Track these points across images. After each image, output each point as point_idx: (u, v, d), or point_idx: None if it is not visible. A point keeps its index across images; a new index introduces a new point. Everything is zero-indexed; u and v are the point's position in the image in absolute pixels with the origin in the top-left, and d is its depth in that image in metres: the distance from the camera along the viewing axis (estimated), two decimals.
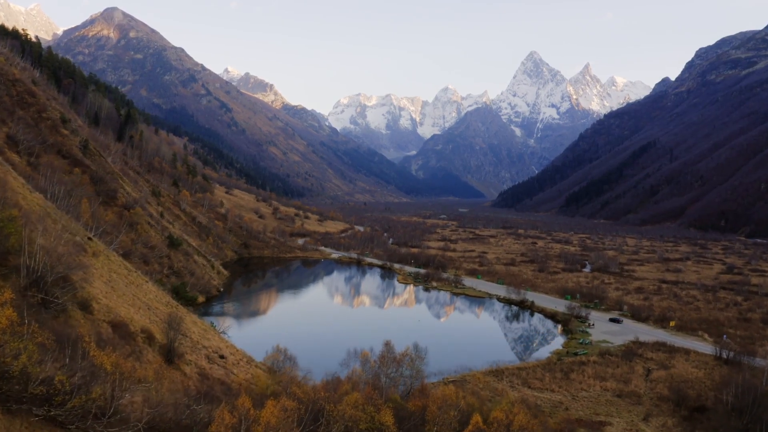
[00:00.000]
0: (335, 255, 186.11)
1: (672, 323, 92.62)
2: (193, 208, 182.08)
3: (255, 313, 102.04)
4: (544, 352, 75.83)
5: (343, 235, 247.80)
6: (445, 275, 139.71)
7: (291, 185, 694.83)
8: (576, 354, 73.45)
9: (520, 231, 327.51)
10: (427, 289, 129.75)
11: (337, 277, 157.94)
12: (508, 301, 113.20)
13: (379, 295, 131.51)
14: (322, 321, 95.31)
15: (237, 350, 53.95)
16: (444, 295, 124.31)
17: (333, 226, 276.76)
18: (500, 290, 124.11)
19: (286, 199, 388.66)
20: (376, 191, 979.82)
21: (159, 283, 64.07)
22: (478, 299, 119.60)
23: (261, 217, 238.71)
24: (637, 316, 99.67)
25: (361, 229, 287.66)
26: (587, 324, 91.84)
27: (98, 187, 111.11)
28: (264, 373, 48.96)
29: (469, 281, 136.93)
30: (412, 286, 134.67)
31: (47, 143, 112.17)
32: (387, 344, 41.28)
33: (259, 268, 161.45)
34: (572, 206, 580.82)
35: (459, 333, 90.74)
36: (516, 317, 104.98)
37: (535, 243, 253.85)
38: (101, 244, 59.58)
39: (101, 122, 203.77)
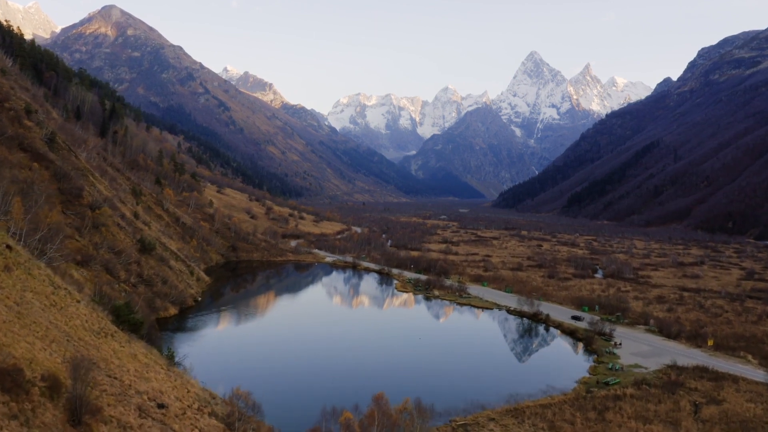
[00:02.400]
0: (329, 258, 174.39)
1: (710, 342, 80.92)
2: (178, 207, 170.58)
3: (230, 330, 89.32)
4: (568, 381, 64.01)
5: (339, 236, 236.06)
6: (447, 282, 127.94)
7: (289, 185, 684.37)
8: (607, 383, 61.76)
9: (524, 232, 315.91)
10: (428, 299, 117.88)
11: (330, 285, 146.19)
12: (519, 314, 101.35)
13: (374, 307, 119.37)
14: (306, 339, 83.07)
15: (189, 390, 42.30)
16: (447, 306, 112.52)
17: (329, 227, 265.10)
18: (509, 300, 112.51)
19: (282, 199, 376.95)
20: (375, 191, 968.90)
21: (99, 301, 52.33)
22: (485, 311, 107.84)
23: (253, 217, 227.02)
24: (667, 331, 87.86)
25: (359, 230, 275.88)
26: (613, 343, 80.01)
27: (61, 185, 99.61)
28: (217, 424, 37.40)
29: (474, 289, 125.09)
30: (411, 294, 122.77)
31: (5, 135, 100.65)
32: (378, 399, 29.76)
33: (248, 273, 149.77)
34: (574, 207, 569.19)
35: (466, 354, 78.70)
36: (528, 332, 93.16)
37: (541, 245, 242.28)
38: (26, 253, 47.97)
39: (83, 116, 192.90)
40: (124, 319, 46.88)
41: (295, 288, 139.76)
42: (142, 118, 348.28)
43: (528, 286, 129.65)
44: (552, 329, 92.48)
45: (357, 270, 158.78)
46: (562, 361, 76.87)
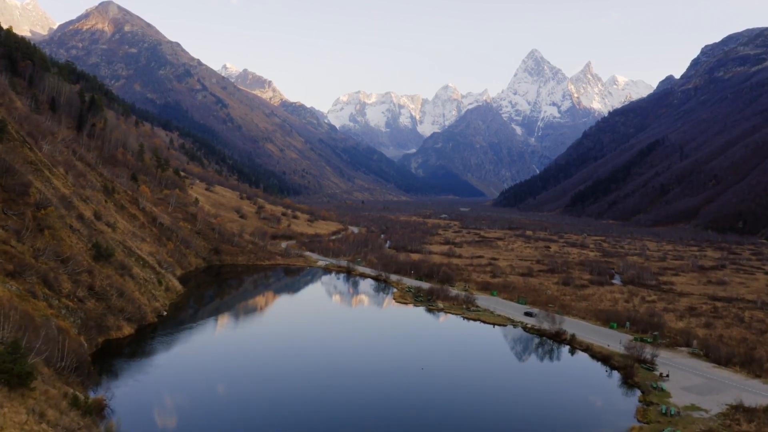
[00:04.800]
0: (322, 262, 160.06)
1: None
2: (158, 206, 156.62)
3: (191, 356, 71.37)
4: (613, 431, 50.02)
5: (333, 237, 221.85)
6: (453, 291, 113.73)
7: (287, 183, 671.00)
8: None
9: (529, 232, 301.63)
10: (431, 311, 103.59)
11: (319, 294, 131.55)
12: (538, 332, 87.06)
13: (368, 323, 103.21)
14: (283, 369, 68.60)
15: None
16: (453, 321, 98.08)
17: (324, 227, 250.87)
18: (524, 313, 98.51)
19: (277, 197, 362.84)
20: (375, 189, 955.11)
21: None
22: (496, 326, 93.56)
23: (242, 216, 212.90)
24: (715, 355, 73.62)
25: (356, 230, 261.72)
26: (660, 375, 65.80)
27: (4, 180, 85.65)
28: None
29: (483, 299, 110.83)
30: (412, 305, 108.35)
31: None
32: None
33: (229, 279, 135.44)
34: (578, 206, 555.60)
35: (479, 389, 63.92)
36: (549, 355, 78.62)
37: (549, 247, 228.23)
38: None
39: (59, 108, 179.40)
40: (4, 369, 32.95)
41: (279, 299, 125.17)
42: (131, 113, 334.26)
43: (542, 296, 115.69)
44: (578, 353, 77.91)
45: (351, 275, 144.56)
46: (600, 400, 61.46)
